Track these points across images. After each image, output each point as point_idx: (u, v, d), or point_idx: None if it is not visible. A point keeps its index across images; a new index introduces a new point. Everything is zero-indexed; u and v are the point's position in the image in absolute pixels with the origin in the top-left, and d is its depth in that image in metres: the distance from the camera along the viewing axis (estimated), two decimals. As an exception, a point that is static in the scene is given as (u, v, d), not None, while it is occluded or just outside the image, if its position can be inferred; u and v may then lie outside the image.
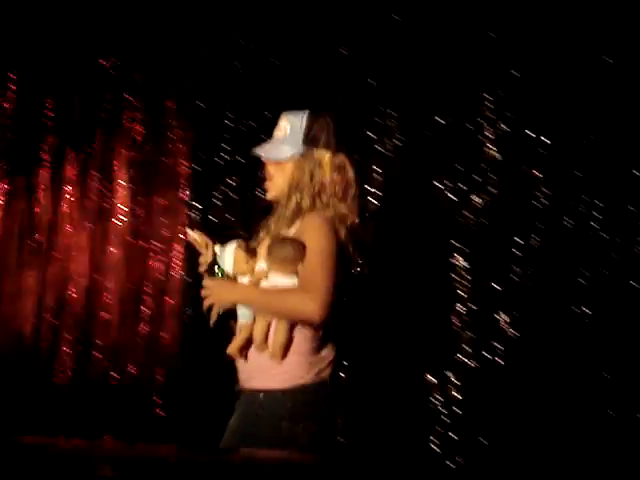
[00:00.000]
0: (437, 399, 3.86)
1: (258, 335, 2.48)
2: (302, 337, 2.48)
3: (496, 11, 3.88)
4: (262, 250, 2.53)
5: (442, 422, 3.85)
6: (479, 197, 3.91)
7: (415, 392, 3.87)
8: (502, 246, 3.90)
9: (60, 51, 4.14)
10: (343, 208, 2.56)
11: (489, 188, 3.91)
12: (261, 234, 2.66)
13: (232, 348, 2.53)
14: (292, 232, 2.55)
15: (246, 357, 2.53)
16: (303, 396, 2.46)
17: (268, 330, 2.48)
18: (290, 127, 2.61)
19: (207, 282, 2.55)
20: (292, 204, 2.58)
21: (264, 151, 2.68)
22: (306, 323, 2.46)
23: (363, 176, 3.69)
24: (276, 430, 2.42)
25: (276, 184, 2.64)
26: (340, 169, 2.58)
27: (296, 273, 2.48)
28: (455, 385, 3.85)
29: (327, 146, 2.58)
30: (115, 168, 4.15)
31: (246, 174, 4.03)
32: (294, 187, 2.58)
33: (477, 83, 3.92)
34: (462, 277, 3.91)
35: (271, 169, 2.65)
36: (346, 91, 3.99)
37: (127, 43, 4.16)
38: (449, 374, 3.87)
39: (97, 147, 4.15)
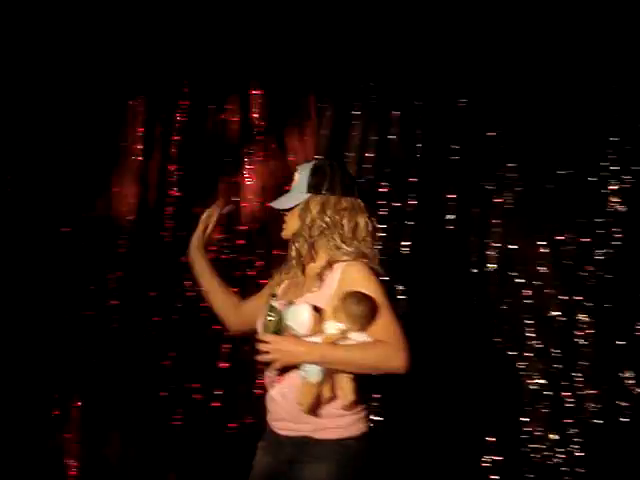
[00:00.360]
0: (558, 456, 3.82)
1: (327, 392, 2.48)
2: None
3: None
4: (329, 309, 2.49)
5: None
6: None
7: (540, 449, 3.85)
8: (625, 301, 3.82)
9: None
10: (364, 247, 2.60)
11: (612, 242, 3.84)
12: (276, 277, 2.79)
13: (306, 407, 2.47)
14: (330, 282, 2.56)
15: (314, 411, 2.51)
16: (365, 443, 2.57)
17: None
18: (299, 177, 2.70)
19: (274, 338, 2.48)
20: (300, 246, 2.66)
21: (275, 202, 2.78)
22: (391, 373, 2.46)
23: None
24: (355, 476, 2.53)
25: (288, 228, 2.72)
26: (347, 210, 2.61)
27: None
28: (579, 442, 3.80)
29: (332, 191, 2.62)
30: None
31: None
32: (300, 230, 2.65)
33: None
34: (583, 331, 3.84)
35: (287, 217, 2.73)
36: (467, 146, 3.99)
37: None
38: (573, 431, 3.81)
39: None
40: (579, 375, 3.83)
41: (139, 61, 4.22)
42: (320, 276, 2.58)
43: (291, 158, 4.13)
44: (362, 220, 2.62)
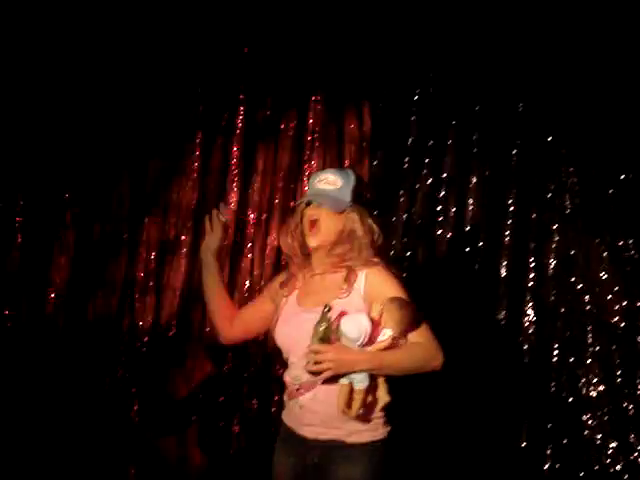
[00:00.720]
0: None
1: (370, 396, 2.56)
2: None
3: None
4: (377, 315, 2.55)
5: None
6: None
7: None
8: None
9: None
10: (383, 257, 2.72)
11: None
12: (297, 279, 2.80)
13: (355, 413, 2.53)
14: (356, 288, 2.64)
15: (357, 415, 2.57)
16: (392, 444, 2.67)
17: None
18: (341, 181, 2.71)
19: (329, 348, 2.50)
20: (338, 253, 2.70)
21: (324, 201, 2.73)
22: (431, 371, 2.60)
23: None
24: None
25: (324, 233, 2.71)
26: (373, 221, 2.72)
27: None
28: None
29: (366, 202, 2.75)
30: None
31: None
32: (344, 238, 2.70)
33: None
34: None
35: (322, 218, 2.71)
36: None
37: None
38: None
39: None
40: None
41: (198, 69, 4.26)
42: (345, 283, 2.66)
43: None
44: (377, 228, 2.73)
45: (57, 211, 4.25)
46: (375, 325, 2.53)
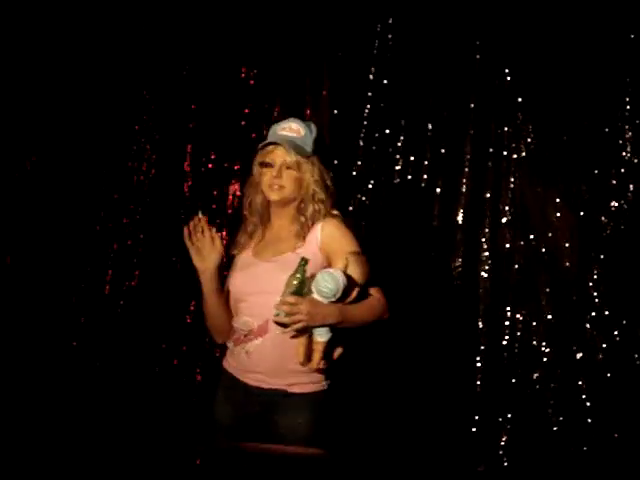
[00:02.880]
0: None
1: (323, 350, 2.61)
2: None
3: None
4: (341, 268, 2.61)
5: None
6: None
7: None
8: None
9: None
10: (334, 209, 2.80)
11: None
12: (253, 237, 2.84)
13: (315, 365, 2.59)
14: (312, 239, 2.71)
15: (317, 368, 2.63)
16: (333, 395, 2.78)
17: None
18: (304, 130, 2.75)
19: (302, 300, 2.53)
20: (297, 207, 2.76)
21: (293, 142, 2.72)
22: (381, 320, 2.72)
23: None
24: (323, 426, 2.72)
25: (289, 184, 2.73)
26: (328, 174, 2.80)
27: None
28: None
29: (324, 154, 2.82)
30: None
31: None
32: (304, 190, 2.75)
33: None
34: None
35: (290, 167, 2.73)
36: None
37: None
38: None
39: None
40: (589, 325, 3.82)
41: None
42: (301, 234, 2.72)
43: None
44: (330, 180, 2.80)
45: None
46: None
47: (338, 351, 2.66)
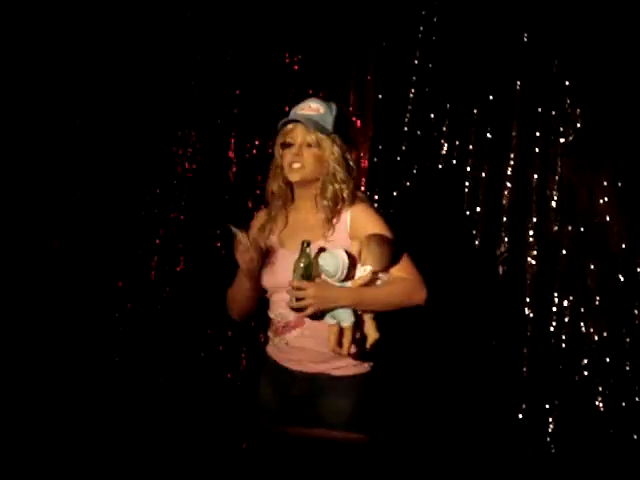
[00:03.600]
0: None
1: (358, 333, 2.62)
2: None
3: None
4: (356, 252, 2.58)
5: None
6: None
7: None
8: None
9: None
10: (361, 193, 2.80)
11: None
12: (277, 222, 2.80)
13: (345, 350, 2.57)
14: (341, 227, 2.67)
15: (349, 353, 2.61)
16: (376, 377, 2.76)
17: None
18: (324, 109, 2.68)
19: (309, 284, 2.54)
20: (330, 189, 2.67)
21: (311, 120, 2.65)
22: (415, 306, 2.66)
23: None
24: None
25: (310, 163, 2.67)
26: (351, 155, 2.73)
27: None
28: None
29: (347, 137, 2.75)
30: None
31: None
32: (327, 171, 2.68)
33: None
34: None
35: (310, 144, 2.66)
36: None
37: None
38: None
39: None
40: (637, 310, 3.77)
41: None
42: (330, 220, 2.68)
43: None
44: (353, 161, 2.74)
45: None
46: (354, 261, 2.57)
47: (372, 337, 2.62)
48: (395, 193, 4.02)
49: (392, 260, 2.61)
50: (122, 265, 4.36)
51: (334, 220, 2.69)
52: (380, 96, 4.08)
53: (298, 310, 2.56)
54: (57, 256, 4.37)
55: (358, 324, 2.60)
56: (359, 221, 2.67)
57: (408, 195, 4.03)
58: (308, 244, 2.53)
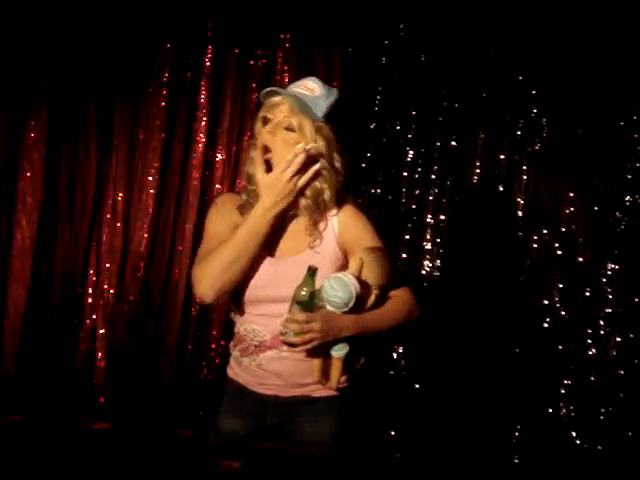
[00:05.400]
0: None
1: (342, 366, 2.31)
2: None
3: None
4: (355, 270, 2.25)
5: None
6: None
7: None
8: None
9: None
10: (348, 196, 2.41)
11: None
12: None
13: (334, 383, 2.29)
14: (329, 233, 2.34)
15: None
16: (359, 395, 2.46)
17: None
18: (320, 91, 2.31)
19: (313, 318, 2.18)
20: (310, 188, 2.30)
21: (300, 100, 2.27)
22: (413, 319, 2.41)
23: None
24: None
25: (279, 149, 2.29)
26: (339, 152, 2.36)
27: None
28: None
29: (339, 130, 2.37)
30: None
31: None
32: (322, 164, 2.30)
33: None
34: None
35: (288, 127, 2.28)
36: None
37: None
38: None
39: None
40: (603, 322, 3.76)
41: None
42: (315, 226, 2.34)
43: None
44: (339, 156, 2.37)
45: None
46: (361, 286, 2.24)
47: (359, 362, 2.36)
48: (360, 200, 3.95)
49: (390, 275, 2.31)
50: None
51: (320, 226, 2.35)
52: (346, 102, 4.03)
53: (292, 345, 2.20)
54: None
55: (352, 350, 2.29)
56: (349, 229, 2.34)
57: (373, 202, 3.97)
58: (314, 271, 2.19)
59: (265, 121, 2.32)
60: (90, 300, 4.13)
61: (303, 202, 2.33)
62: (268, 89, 2.33)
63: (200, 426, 3.86)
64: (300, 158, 2.24)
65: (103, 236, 4.14)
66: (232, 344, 2.44)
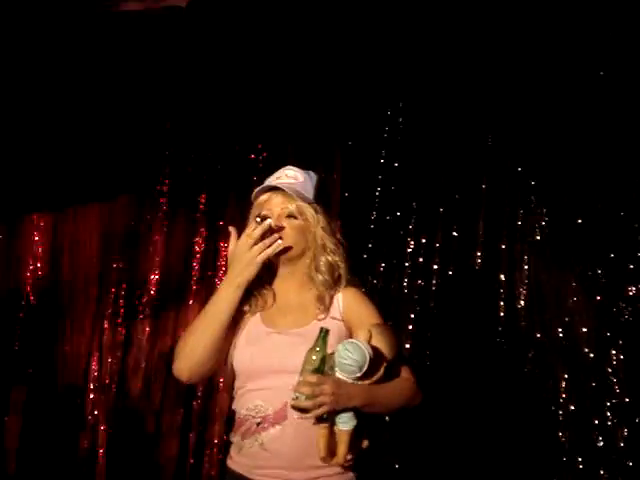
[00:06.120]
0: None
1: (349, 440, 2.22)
2: None
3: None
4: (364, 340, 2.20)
5: None
6: None
7: None
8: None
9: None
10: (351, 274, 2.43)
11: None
12: (262, 301, 2.40)
13: (342, 458, 2.20)
14: (334, 309, 2.35)
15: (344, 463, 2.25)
16: None
17: None
18: (302, 176, 2.38)
19: (324, 380, 2.13)
20: (324, 263, 2.35)
21: (292, 188, 2.33)
22: (414, 405, 2.34)
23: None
24: None
25: (291, 236, 2.34)
26: (336, 225, 2.45)
27: None
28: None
29: (328, 208, 2.44)
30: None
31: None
32: (318, 240, 2.36)
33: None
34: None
35: (291, 214, 2.34)
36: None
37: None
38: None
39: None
40: (610, 413, 3.72)
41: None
42: (323, 299, 2.36)
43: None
44: (340, 233, 2.45)
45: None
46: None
47: (365, 442, 2.27)
48: (363, 290, 3.95)
49: (397, 353, 2.26)
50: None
51: (327, 300, 2.35)
52: (346, 194, 4.06)
53: (303, 410, 2.12)
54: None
55: (358, 428, 2.21)
56: (354, 305, 2.35)
57: (374, 293, 3.96)
58: (327, 332, 2.16)
59: (263, 218, 2.33)
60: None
61: (320, 278, 2.36)
62: (261, 187, 2.38)
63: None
64: (258, 229, 2.27)
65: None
66: (232, 433, 2.38)
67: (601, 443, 3.68)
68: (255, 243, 2.28)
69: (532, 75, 3.93)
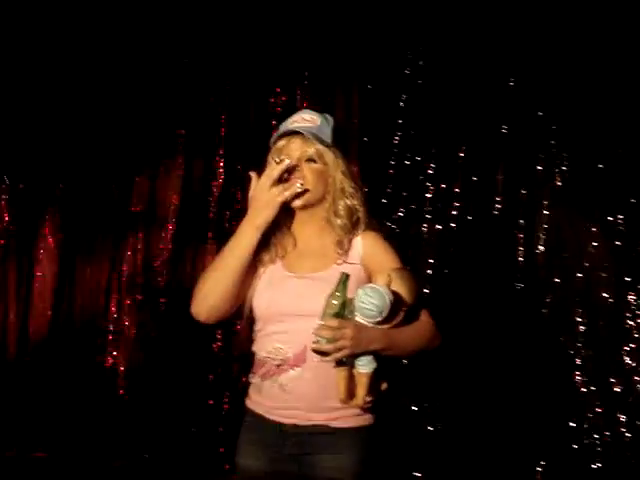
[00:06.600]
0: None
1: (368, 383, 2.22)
2: None
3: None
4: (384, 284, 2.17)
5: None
6: None
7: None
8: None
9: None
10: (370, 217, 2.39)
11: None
12: (282, 248, 2.37)
13: (361, 401, 2.20)
14: (353, 253, 2.32)
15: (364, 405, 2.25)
16: (380, 429, 2.36)
17: None
18: (319, 120, 2.33)
19: (344, 324, 2.13)
20: (343, 207, 2.33)
21: (309, 131, 2.29)
22: (433, 348, 2.33)
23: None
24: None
25: (312, 181, 2.31)
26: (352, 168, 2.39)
27: None
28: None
29: (346, 153, 2.38)
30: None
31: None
32: (337, 184, 2.33)
33: None
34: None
35: (310, 158, 2.30)
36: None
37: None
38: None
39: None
40: (628, 358, 3.73)
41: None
42: (342, 243, 2.33)
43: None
44: (358, 177, 2.41)
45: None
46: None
47: (383, 385, 2.27)
48: (383, 234, 3.95)
49: (417, 298, 2.23)
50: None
51: (344, 245, 2.33)
52: (365, 139, 4.04)
53: (323, 354, 2.13)
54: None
55: (377, 371, 2.21)
56: (374, 249, 2.32)
57: (393, 238, 3.95)
58: (347, 277, 2.15)
59: (281, 161, 2.28)
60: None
61: (338, 222, 2.34)
62: (280, 132, 2.33)
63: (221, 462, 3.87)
64: (277, 170, 2.25)
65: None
66: (251, 374, 2.40)
67: (618, 388, 3.70)
68: (274, 184, 2.26)
69: (554, 17, 3.88)
